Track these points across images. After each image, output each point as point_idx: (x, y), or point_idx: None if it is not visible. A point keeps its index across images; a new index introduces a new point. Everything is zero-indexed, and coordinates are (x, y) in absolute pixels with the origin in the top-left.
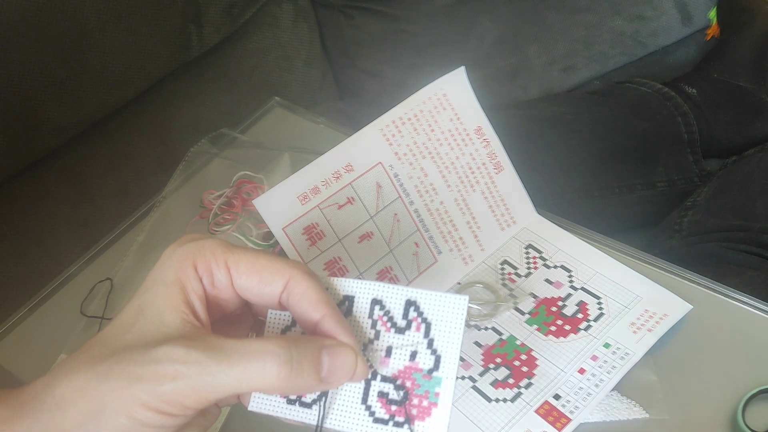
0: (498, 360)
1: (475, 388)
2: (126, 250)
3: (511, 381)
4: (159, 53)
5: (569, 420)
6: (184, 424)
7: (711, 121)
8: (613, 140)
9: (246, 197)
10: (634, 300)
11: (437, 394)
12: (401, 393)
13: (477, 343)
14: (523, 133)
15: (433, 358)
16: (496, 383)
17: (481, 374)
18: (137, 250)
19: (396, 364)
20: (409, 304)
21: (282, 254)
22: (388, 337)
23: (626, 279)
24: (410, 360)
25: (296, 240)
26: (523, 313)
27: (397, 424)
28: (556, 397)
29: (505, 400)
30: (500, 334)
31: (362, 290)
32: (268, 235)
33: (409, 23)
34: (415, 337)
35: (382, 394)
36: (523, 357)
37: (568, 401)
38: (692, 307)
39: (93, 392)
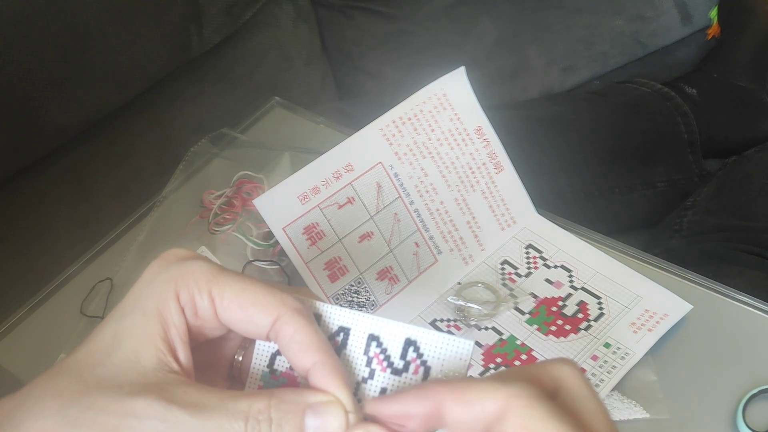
0: (498, 360)
1: None
2: (126, 250)
3: None
4: (159, 53)
5: None
6: None
7: (711, 121)
8: (613, 140)
9: (246, 197)
10: (634, 300)
11: None
12: None
13: (477, 343)
14: (523, 133)
15: None
16: None
17: (482, 374)
18: (137, 250)
19: None
20: (409, 343)
21: (282, 254)
22: (383, 378)
23: (626, 279)
24: None
25: (296, 240)
26: (523, 313)
27: None
28: None
29: None
30: (500, 334)
31: (359, 323)
32: (269, 235)
33: (409, 23)
34: (412, 380)
35: None
36: (524, 357)
37: None
38: (692, 307)
39: None
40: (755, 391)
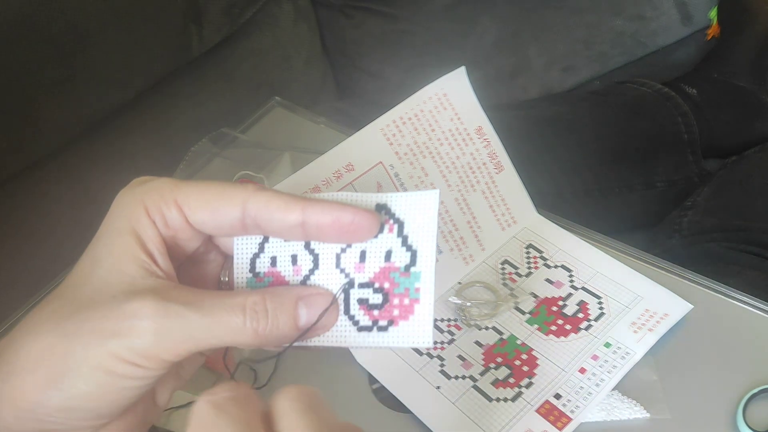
0: (499, 359)
1: (475, 387)
2: None
3: (511, 380)
4: (159, 53)
5: (570, 419)
6: (162, 375)
7: (711, 121)
8: (613, 140)
9: None
10: (634, 300)
11: (417, 290)
12: (380, 296)
13: (477, 343)
14: (523, 133)
15: (408, 254)
16: (496, 382)
17: (482, 373)
18: None
19: (371, 267)
20: (380, 208)
21: None
22: (360, 243)
23: (626, 279)
24: (386, 260)
25: None
26: (523, 313)
27: (381, 329)
28: (557, 396)
29: (505, 400)
30: (501, 333)
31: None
32: None
33: (410, 23)
34: (388, 238)
35: (362, 301)
36: (524, 356)
37: (569, 401)
38: (693, 306)
39: (65, 350)
40: (755, 391)
